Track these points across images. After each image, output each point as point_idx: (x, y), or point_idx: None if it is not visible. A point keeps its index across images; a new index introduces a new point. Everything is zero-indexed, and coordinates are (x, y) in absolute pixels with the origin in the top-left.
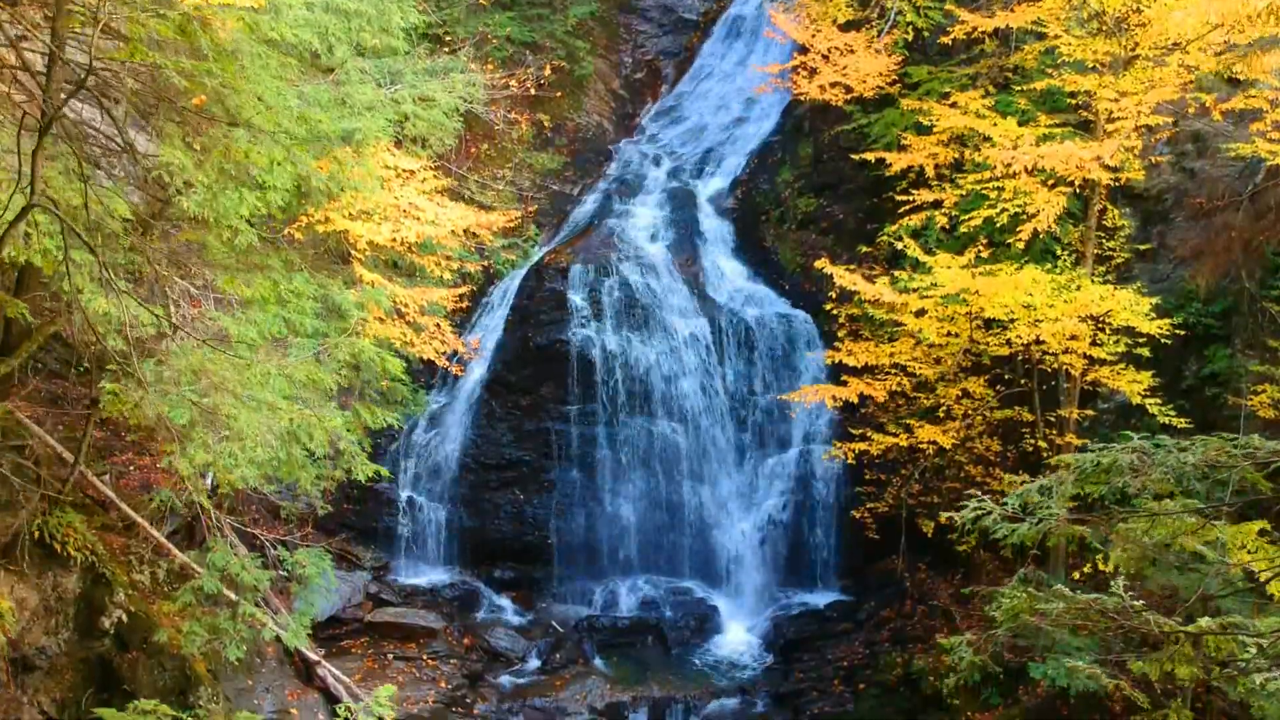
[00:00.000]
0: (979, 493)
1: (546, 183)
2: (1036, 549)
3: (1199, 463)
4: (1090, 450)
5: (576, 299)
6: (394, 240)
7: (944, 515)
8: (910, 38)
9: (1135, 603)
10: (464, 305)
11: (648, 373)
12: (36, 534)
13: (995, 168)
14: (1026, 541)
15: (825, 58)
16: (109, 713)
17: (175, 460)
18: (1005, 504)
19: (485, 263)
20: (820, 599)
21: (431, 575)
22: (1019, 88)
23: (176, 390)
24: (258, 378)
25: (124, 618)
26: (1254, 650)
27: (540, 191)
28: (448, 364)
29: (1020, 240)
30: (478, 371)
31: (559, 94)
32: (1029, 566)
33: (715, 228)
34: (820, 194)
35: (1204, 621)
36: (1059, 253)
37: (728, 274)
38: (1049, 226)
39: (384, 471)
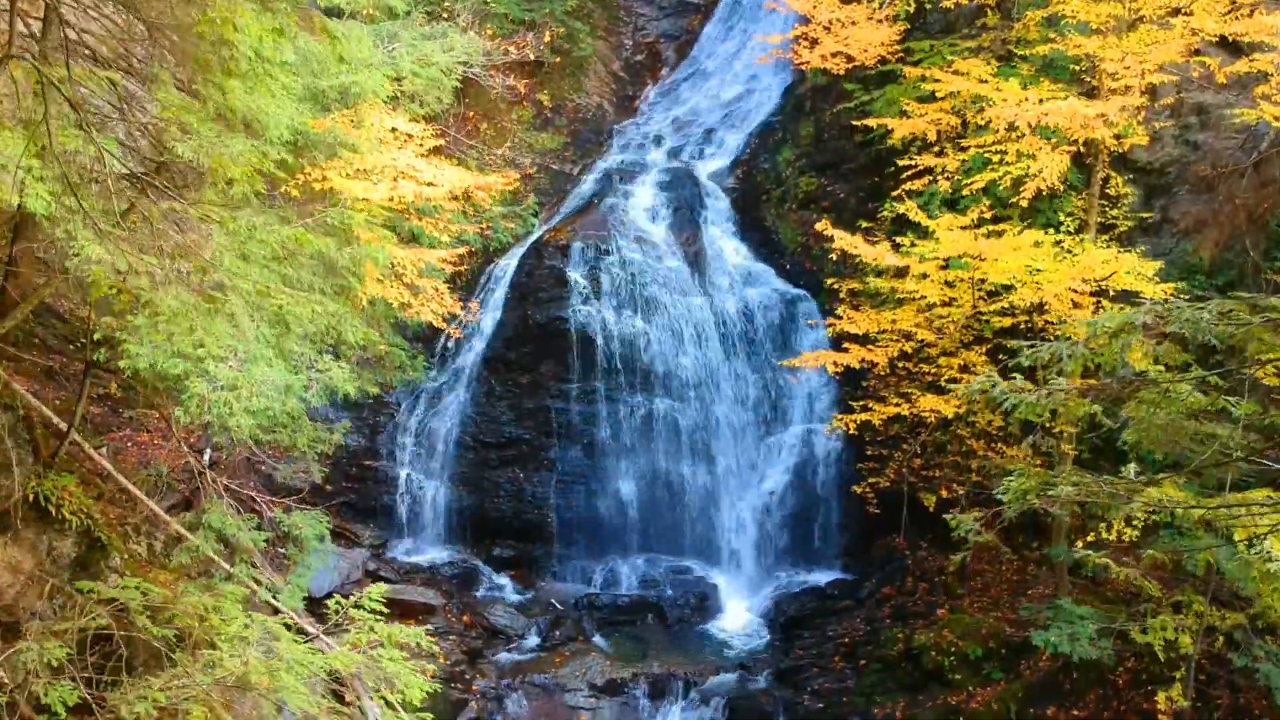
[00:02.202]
0: (986, 370)
1: (546, 162)
2: (1036, 526)
3: (1214, 318)
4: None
5: (576, 277)
6: (391, 199)
7: (950, 384)
8: (912, 9)
9: (1148, 487)
10: (462, 268)
11: (648, 351)
12: (31, 497)
13: (999, 130)
14: (1033, 417)
15: (827, 29)
16: (90, 584)
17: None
18: (1012, 374)
19: (484, 225)
20: (821, 577)
21: (430, 553)
22: (1021, 53)
23: (167, 265)
24: (244, 230)
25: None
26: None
27: (540, 171)
28: (447, 326)
29: (1023, 199)
30: (477, 349)
31: (558, 59)
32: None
33: (716, 207)
34: (822, 173)
35: (1213, 501)
36: (1061, 219)
37: (728, 253)
38: (1052, 184)
39: (372, 336)
